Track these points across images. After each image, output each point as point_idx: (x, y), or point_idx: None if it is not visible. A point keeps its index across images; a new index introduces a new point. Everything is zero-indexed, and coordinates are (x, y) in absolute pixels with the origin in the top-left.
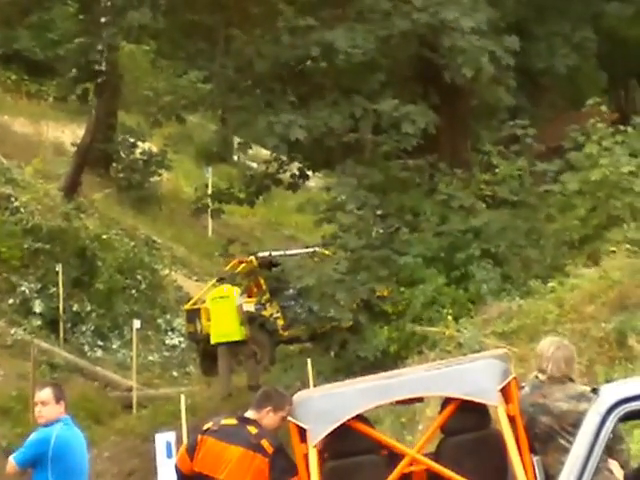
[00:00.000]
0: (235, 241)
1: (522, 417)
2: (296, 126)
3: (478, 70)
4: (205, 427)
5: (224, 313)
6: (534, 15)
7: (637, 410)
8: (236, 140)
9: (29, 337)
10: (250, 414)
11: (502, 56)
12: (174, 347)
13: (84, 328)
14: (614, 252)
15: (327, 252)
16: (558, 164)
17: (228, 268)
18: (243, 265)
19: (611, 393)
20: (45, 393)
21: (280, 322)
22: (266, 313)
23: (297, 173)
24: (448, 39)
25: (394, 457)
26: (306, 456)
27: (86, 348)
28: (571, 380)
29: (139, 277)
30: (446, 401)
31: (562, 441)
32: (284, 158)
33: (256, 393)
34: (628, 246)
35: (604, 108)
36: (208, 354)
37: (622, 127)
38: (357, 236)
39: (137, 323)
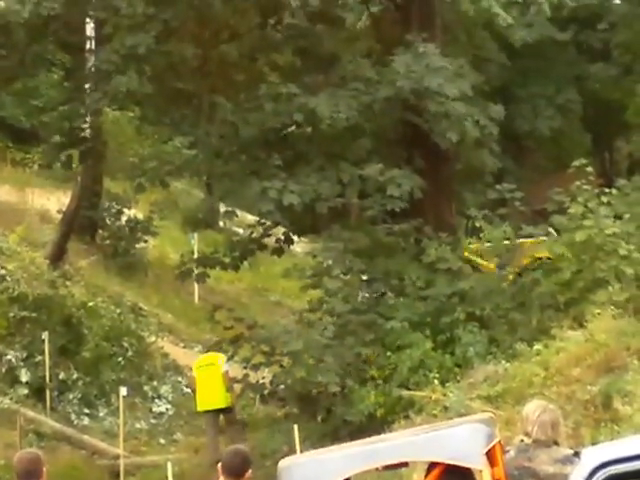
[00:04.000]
0: (221, 307)
1: None
2: (288, 191)
3: (463, 134)
4: None
5: (209, 380)
6: (518, 78)
7: (618, 473)
8: (222, 206)
9: (15, 406)
10: None
11: (486, 124)
12: (161, 414)
13: (71, 396)
14: (599, 314)
15: None
16: (544, 227)
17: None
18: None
19: (593, 456)
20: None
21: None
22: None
23: (282, 238)
24: (432, 105)
25: None
26: None
27: (73, 416)
28: (556, 443)
29: (125, 344)
30: (432, 465)
31: None
32: (269, 223)
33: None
34: (613, 308)
35: (589, 170)
36: None
37: (607, 189)
38: (343, 301)
39: (124, 390)
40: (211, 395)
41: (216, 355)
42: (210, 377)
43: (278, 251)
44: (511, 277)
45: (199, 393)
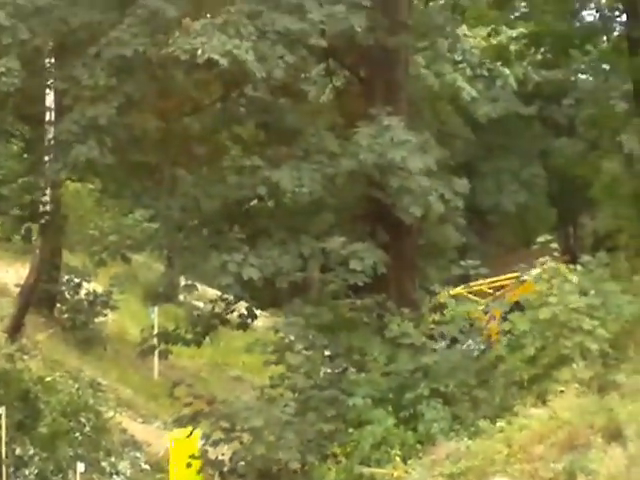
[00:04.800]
0: (181, 383)
1: None
2: (248, 265)
3: (427, 209)
4: None
5: (181, 458)
6: (483, 153)
7: None
8: (183, 280)
9: None
10: None
11: (451, 198)
12: None
13: (27, 472)
14: (563, 392)
15: None
16: (507, 303)
17: None
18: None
19: None
20: None
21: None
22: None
23: (245, 313)
24: (396, 179)
25: None
26: None
27: None
28: None
29: (83, 420)
30: None
31: None
32: (231, 298)
33: None
34: (577, 386)
35: (554, 246)
36: None
37: (571, 265)
38: (305, 376)
39: (81, 467)
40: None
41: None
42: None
43: (241, 326)
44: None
45: (171, 471)
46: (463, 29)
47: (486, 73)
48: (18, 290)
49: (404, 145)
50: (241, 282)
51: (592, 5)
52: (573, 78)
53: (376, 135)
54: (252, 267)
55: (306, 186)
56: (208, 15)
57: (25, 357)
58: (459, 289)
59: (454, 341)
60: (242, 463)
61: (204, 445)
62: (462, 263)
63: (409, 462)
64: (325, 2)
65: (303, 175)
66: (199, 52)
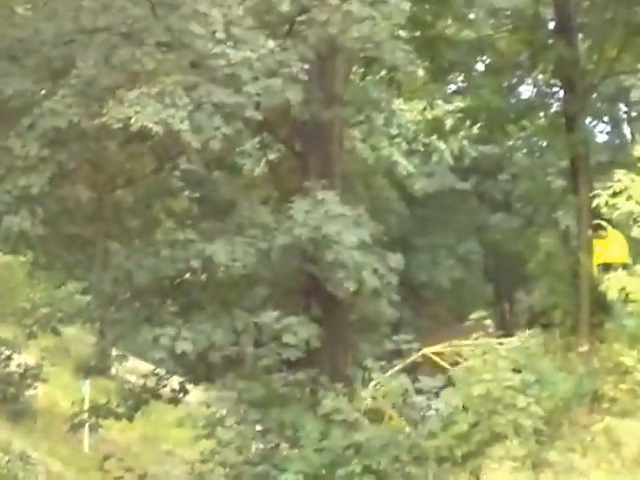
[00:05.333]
0: (112, 456)
1: None
2: (182, 339)
3: (361, 284)
4: None
5: None
6: (418, 227)
7: None
8: (114, 353)
9: None
10: None
11: (385, 273)
12: None
13: None
14: (497, 469)
15: None
16: (441, 379)
17: None
18: None
19: None
20: None
21: None
22: None
23: (177, 387)
24: (330, 253)
25: None
26: None
27: None
28: None
29: None
30: None
31: None
32: (163, 372)
33: None
34: (511, 463)
35: (489, 322)
36: None
37: (506, 341)
38: (237, 452)
39: None
40: None
41: None
42: None
43: (174, 401)
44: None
45: None
46: (399, 103)
47: (422, 147)
48: None
49: (338, 219)
50: (174, 356)
51: (529, 81)
52: (509, 154)
53: (311, 209)
54: (185, 341)
55: (240, 260)
56: (143, 85)
57: None
58: (439, 347)
59: None
60: None
61: None
62: (395, 338)
63: None
64: (261, 74)
65: (237, 249)
66: (132, 121)
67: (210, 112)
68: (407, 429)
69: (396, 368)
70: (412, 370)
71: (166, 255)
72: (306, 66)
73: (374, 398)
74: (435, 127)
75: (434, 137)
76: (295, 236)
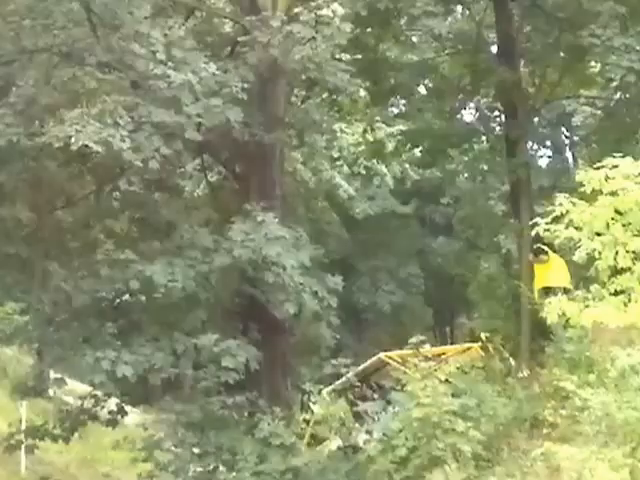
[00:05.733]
0: (49, 478)
1: None
2: (122, 362)
3: (301, 306)
4: None
5: None
6: (359, 250)
7: None
8: (52, 374)
9: None
10: None
11: (325, 296)
12: None
13: None
14: None
15: None
16: (381, 404)
17: None
18: None
19: None
20: None
21: None
22: None
23: (115, 409)
24: (270, 275)
25: None
26: None
27: None
28: None
29: None
30: None
31: None
32: (101, 393)
33: None
34: None
35: (427, 347)
36: None
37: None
38: (174, 475)
39: None
40: None
41: None
42: None
43: (111, 422)
44: None
45: None
46: (341, 126)
47: (363, 170)
48: None
49: (278, 241)
50: (114, 380)
51: (471, 105)
52: (451, 177)
53: (250, 231)
54: (125, 365)
55: (179, 281)
56: (84, 105)
57: None
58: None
59: None
60: None
61: None
62: (334, 362)
63: None
64: (202, 95)
65: (176, 270)
66: (73, 140)
67: (149, 132)
68: (345, 454)
69: None
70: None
71: (105, 275)
72: (246, 85)
73: (314, 422)
74: (376, 150)
75: (375, 160)
76: (235, 258)
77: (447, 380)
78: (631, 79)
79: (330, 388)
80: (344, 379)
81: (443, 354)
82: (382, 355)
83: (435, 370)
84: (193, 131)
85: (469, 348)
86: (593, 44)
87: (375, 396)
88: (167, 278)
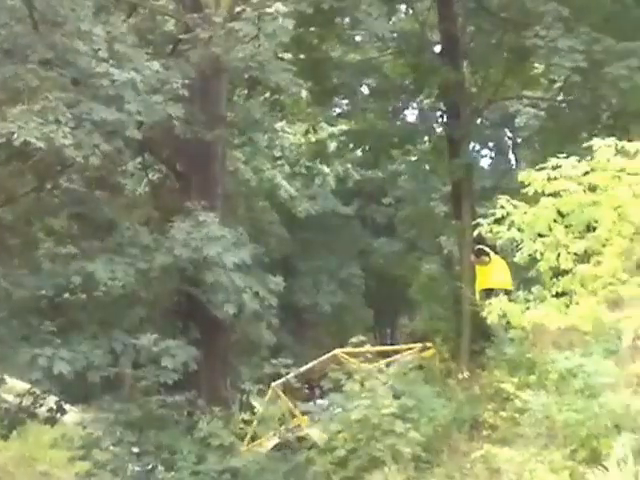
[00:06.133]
0: None
1: None
2: (59, 359)
3: (241, 306)
4: None
5: None
6: (300, 251)
7: None
8: None
9: None
10: None
11: (266, 296)
12: None
13: None
14: None
15: None
16: (319, 405)
17: None
18: None
19: None
20: None
21: None
22: None
23: (54, 407)
24: (210, 275)
25: None
26: None
27: None
28: None
29: None
30: None
31: None
32: (40, 391)
33: None
34: None
35: (366, 347)
36: None
37: (385, 366)
38: (112, 474)
39: None
40: None
41: None
42: None
43: (50, 421)
44: None
45: None
46: (283, 125)
47: (305, 170)
48: None
49: (219, 241)
50: (51, 376)
51: (414, 105)
52: (393, 178)
53: (191, 230)
54: (62, 361)
55: (120, 279)
56: (26, 102)
57: None
58: (348, 349)
59: None
60: None
61: None
62: (273, 361)
63: None
64: (143, 92)
65: (117, 268)
66: (15, 136)
67: (90, 129)
68: (284, 454)
69: None
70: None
71: (47, 270)
72: (187, 82)
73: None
74: (318, 151)
75: (317, 160)
76: (175, 257)
77: (387, 382)
78: (574, 80)
79: (279, 383)
80: (291, 376)
81: (396, 352)
82: (337, 352)
83: (379, 371)
84: (134, 129)
85: (427, 347)
86: (537, 45)
87: (317, 394)
88: (108, 275)
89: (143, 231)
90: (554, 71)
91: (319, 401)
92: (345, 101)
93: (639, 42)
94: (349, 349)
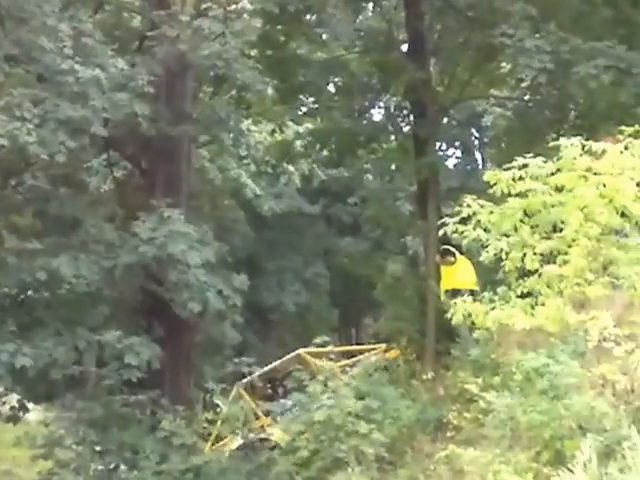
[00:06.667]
0: None
1: None
2: (21, 355)
3: (205, 305)
4: None
5: None
6: (265, 249)
7: None
8: None
9: None
10: None
11: (230, 295)
12: None
13: None
14: None
15: None
16: (282, 404)
17: None
18: None
19: None
20: None
21: None
22: None
23: (16, 405)
24: (175, 273)
25: None
26: None
27: None
28: None
29: None
30: None
31: None
32: (2, 389)
33: None
34: None
35: (330, 347)
36: None
37: (349, 367)
38: (75, 473)
39: None
40: None
41: None
42: None
43: (12, 419)
44: None
45: None
46: (248, 124)
47: (270, 169)
48: None
49: (183, 238)
50: (13, 373)
51: (381, 103)
52: (359, 177)
53: (156, 227)
54: (25, 357)
55: (84, 277)
56: None
57: None
58: (312, 349)
59: None
60: None
61: None
62: (237, 360)
63: None
64: (108, 90)
65: (81, 265)
66: None
67: (55, 127)
68: (247, 454)
69: None
70: None
71: (12, 264)
72: (152, 79)
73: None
74: (284, 151)
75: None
76: (139, 254)
77: (351, 382)
78: (542, 80)
79: (243, 382)
80: (256, 375)
81: (360, 353)
82: (301, 351)
83: (342, 371)
84: (99, 126)
85: (392, 348)
86: (504, 44)
87: (281, 393)
88: (72, 272)
89: (108, 228)
90: (521, 71)
91: (282, 400)
92: (311, 99)
93: (607, 42)
94: (313, 349)
